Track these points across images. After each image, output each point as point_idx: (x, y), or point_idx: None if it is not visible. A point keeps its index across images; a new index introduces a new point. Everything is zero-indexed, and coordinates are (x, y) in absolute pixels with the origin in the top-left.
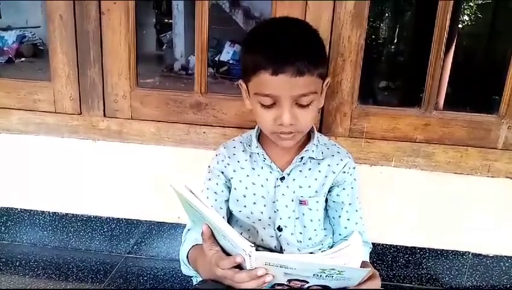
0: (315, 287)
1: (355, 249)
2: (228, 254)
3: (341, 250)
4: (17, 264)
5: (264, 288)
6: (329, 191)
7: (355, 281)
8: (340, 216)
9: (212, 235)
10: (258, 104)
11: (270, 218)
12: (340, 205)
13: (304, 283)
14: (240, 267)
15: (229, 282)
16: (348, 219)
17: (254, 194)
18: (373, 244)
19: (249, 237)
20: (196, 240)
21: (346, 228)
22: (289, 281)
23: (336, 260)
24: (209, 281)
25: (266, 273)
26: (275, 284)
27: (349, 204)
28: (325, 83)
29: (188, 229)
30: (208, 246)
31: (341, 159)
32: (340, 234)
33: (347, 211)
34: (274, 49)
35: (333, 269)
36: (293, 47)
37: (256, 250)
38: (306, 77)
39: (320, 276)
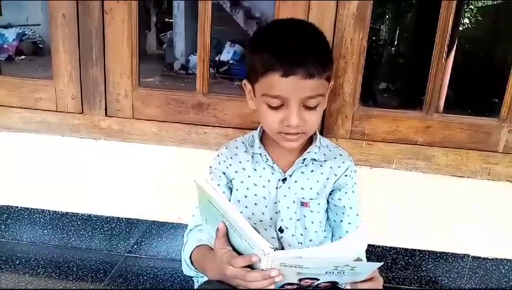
0: (323, 284)
1: (360, 237)
2: (240, 255)
3: (345, 242)
4: (17, 262)
5: (274, 288)
6: (330, 195)
7: (364, 275)
8: (341, 221)
9: (226, 234)
10: (264, 105)
11: (271, 219)
12: (341, 209)
13: (314, 281)
14: (249, 267)
15: (238, 281)
16: (350, 223)
17: (255, 195)
18: (373, 246)
19: None
20: (200, 240)
21: (347, 232)
22: (300, 280)
23: (344, 251)
24: (215, 282)
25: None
26: (285, 284)
27: (350, 208)
28: (329, 85)
29: (190, 230)
30: (220, 244)
31: (343, 162)
32: (340, 237)
33: (348, 215)
34: (285, 50)
35: (347, 265)
36: (304, 49)
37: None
38: (315, 80)
39: (332, 273)
